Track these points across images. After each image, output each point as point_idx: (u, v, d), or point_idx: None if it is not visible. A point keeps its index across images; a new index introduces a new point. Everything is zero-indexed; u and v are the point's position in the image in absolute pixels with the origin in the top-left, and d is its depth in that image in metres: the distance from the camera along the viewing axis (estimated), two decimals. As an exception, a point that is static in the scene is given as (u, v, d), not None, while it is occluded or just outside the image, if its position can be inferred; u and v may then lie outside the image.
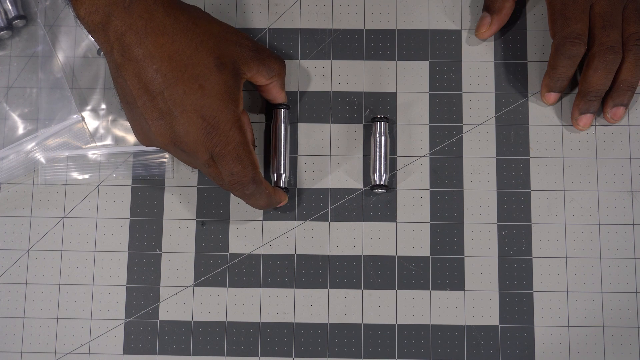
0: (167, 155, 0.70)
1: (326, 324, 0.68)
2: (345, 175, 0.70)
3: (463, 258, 0.69)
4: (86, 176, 0.70)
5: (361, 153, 0.70)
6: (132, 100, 0.62)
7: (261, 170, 0.70)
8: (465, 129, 0.71)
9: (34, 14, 0.72)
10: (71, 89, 0.71)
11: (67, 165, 0.70)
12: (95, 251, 0.69)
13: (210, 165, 0.63)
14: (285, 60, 0.71)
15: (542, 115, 0.71)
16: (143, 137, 0.64)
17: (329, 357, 0.68)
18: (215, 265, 0.69)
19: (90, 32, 0.62)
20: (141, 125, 0.63)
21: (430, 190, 0.70)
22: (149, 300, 0.69)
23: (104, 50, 0.62)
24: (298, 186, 0.70)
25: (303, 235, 0.69)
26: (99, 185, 0.70)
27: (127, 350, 0.68)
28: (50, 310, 0.69)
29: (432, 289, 0.68)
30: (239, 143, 0.62)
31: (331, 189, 0.70)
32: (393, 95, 0.71)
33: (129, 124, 0.71)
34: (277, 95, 0.69)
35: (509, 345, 0.67)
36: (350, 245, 0.69)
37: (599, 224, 0.69)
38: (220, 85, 0.62)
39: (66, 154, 0.70)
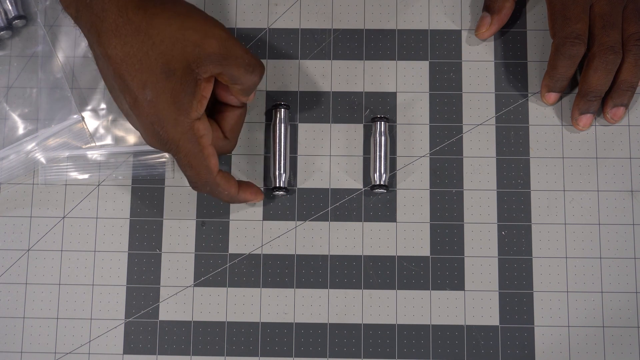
0: (167, 155, 0.70)
1: (326, 324, 0.68)
2: (345, 175, 0.70)
3: (463, 258, 0.69)
4: (86, 176, 0.70)
5: (361, 153, 0.70)
6: (109, 91, 0.63)
7: (261, 170, 0.70)
8: (465, 129, 0.71)
9: (34, 14, 0.72)
10: (71, 89, 0.71)
11: (67, 165, 0.70)
12: (95, 251, 0.69)
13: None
14: (285, 60, 0.71)
15: (542, 115, 0.71)
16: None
17: (329, 357, 0.68)
18: (215, 265, 0.69)
19: (75, 23, 0.63)
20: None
21: (430, 190, 0.70)
22: (149, 300, 0.69)
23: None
24: (298, 186, 0.70)
25: (303, 235, 0.69)
26: (99, 185, 0.70)
27: (127, 350, 0.68)
28: (50, 310, 0.69)
29: (432, 289, 0.68)
30: (189, 152, 0.62)
31: (331, 189, 0.70)
32: (393, 95, 0.71)
33: (129, 124, 0.71)
34: (238, 98, 0.65)
35: (509, 345, 0.67)
36: (350, 245, 0.69)
37: (599, 224, 0.69)
38: (166, 94, 0.60)
39: (66, 154, 0.70)
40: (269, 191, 0.70)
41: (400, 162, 0.70)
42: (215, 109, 0.67)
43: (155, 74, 0.60)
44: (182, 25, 0.60)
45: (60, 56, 0.72)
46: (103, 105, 0.71)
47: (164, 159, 0.70)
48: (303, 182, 0.70)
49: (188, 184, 0.70)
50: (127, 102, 0.61)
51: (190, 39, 0.60)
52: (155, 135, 0.61)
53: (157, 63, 0.60)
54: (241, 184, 0.67)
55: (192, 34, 0.60)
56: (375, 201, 0.70)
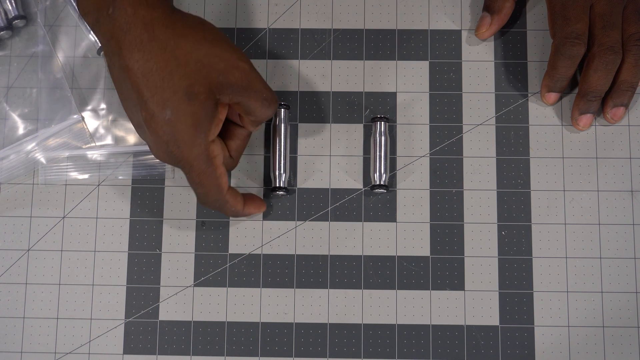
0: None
1: (326, 324, 0.68)
2: (345, 175, 0.70)
3: (463, 258, 0.69)
4: (86, 176, 0.70)
5: (361, 153, 0.70)
6: (121, 102, 0.62)
7: (261, 170, 0.70)
8: (465, 129, 0.71)
9: (34, 14, 0.72)
10: (71, 89, 0.71)
11: (67, 165, 0.70)
12: (95, 251, 0.69)
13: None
14: (285, 61, 0.71)
15: (542, 115, 0.71)
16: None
17: (329, 357, 0.68)
18: (215, 265, 0.69)
19: (92, 31, 0.63)
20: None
21: (430, 190, 0.70)
22: (149, 300, 0.69)
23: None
24: (298, 186, 0.70)
25: (303, 235, 0.69)
26: (99, 185, 0.70)
27: (127, 350, 0.68)
28: (50, 310, 0.69)
29: (432, 289, 0.68)
30: (203, 171, 0.62)
31: (331, 189, 0.70)
32: (393, 95, 0.71)
33: (129, 124, 0.71)
34: (245, 126, 0.66)
35: (509, 345, 0.67)
36: (350, 245, 0.69)
37: (599, 224, 0.69)
38: (187, 116, 0.60)
39: (66, 154, 0.70)
40: (269, 191, 0.70)
41: (400, 162, 0.70)
42: (223, 128, 0.66)
43: (178, 95, 0.59)
44: (209, 52, 0.60)
45: (60, 56, 0.72)
46: (103, 105, 0.71)
47: (164, 159, 0.70)
48: (303, 182, 0.70)
49: (188, 184, 0.70)
50: (143, 117, 0.60)
51: (215, 67, 0.60)
52: (167, 153, 0.61)
53: (180, 84, 0.59)
54: (246, 199, 0.67)
55: (218, 62, 0.60)
56: (375, 201, 0.70)
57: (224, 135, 0.66)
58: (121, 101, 0.62)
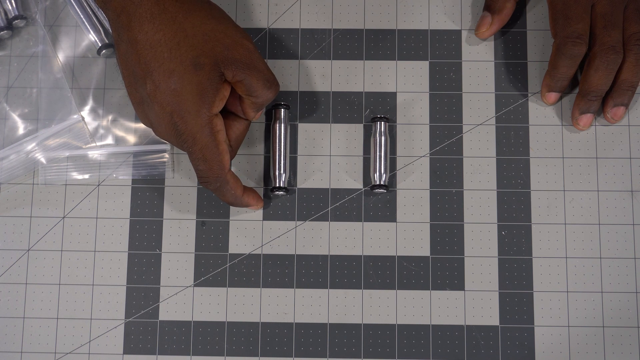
0: (167, 155, 0.70)
1: (326, 324, 0.68)
2: (345, 175, 0.70)
3: (463, 258, 0.69)
4: (86, 176, 0.70)
5: (361, 153, 0.70)
6: (123, 79, 0.64)
7: (261, 170, 0.70)
8: (465, 129, 0.71)
9: (34, 14, 0.72)
10: (71, 89, 0.71)
11: (67, 165, 0.70)
12: (95, 251, 0.69)
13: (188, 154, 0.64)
14: (285, 60, 0.71)
15: (542, 115, 0.71)
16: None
17: (329, 357, 0.68)
18: (215, 265, 0.69)
19: (99, 7, 0.64)
20: (131, 102, 0.65)
21: (430, 190, 0.70)
22: (149, 300, 0.69)
23: (110, 26, 0.64)
24: (298, 186, 0.70)
25: (303, 235, 0.69)
26: (99, 185, 0.70)
27: (127, 350, 0.68)
28: (50, 310, 0.69)
29: (432, 289, 0.68)
30: (206, 145, 0.62)
31: (331, 189, 0.70)
32: (393, 95, 0.71)
33: (129, 124, 0.71)
34: (247, 112, 0.66)
35: (509, 345, 0.67)
36: (350, 245, 0.69)
37: (599, 224, 0.69)
38: (193, 85, 0.61)
39: (66, 154, 0.70)
40: (269, 191, 0.70)
41: (400, 162, 0.70)
42: (223, 117, 0.66)
43: (184, 65, 0.61)
44: (215, 27, 0.63)
45: (60, 56, 0.72)
46: (103, 106, 0.71)
47: (164, 159, 0.70)
48: (303, 182, 0.70)
49: (188, 184, 0.70)
50: (148, 89, 0.61)
51: (221, 41, 0.62)
52: (171, 126, 0.62)
53: (187, 54, 0.61)
54: (246, 189, 0.67)
55: (223, 37, 0.63)
56: (375, 201, 0.70)
57: (225, 124, 0.66)
58: (124, 78, 0.63)
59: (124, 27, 0.62)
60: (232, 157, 0.67)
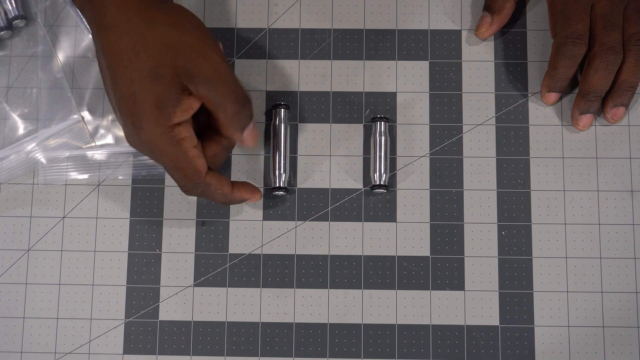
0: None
1: (326, 324, 0.68)
2: (345, 175, 0.70)
3: (463, 258, 0.69)
4: (86, 176, 0.70)
5: (361, 153, 0.70)
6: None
7: (261, 170, 0.70)
8: (465, 129, 0.71)
9: (34, 14, 0.72)
10: (71, 89, 0.71)
11: (67, 165, 0.70)
12: (95, 251, 0.69)
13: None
14: (285, 61, 0.71)
15: (542, 115, 0.71)
16: None
17: (329, 357, 0.68)
18: (215, 265, 0.69)
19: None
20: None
21: (430, 190, 0.70)
22: (149, 300, 0.69)
23: None
24: (298, 186, 0.70)
25: (303, 235, 0.69)
26: (99, 185, 0.70)
27: (127, 350, 0.68)
28: (50, 310, 0.69)
29: (432, 289, 0.68)
30: (173, 154, 0.61)
31: (331, 189, 0.70)
32: (393, 95, 0.71)
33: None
34: (229, 134, 0.63)
35: (509, 345, 0.67)
36: (350, 245, 0.69)
37: (599, 224, 0.69)
38: (151, 95, 0.60)
39: (66, 154, 0.70)
40: (269, 191, 0.70)
41: (400, 162, 0.70)
42: (203, 133, 0.65)
43: (143, 74, 0.60)
44: (178, 38, 0.61)
45: (60, 56, 0.72)
46: (103, 106, 0.71)
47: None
48: (303, 182, 0.70)
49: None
50: (114, 97, 0.61)
51: (183, 53, 0.60)
52: (133, 135, 0.62)
53: (146, 64, 0.60)
54: (236, 183, 0.66)
55: (186, 48, 0.61)
56: (375, 201, 0.70)
57: (203, 137, 0.64)
58: (104, 86, 0.63)
59: (95, 36, 0.62)
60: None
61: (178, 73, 0.60)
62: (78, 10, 0.65)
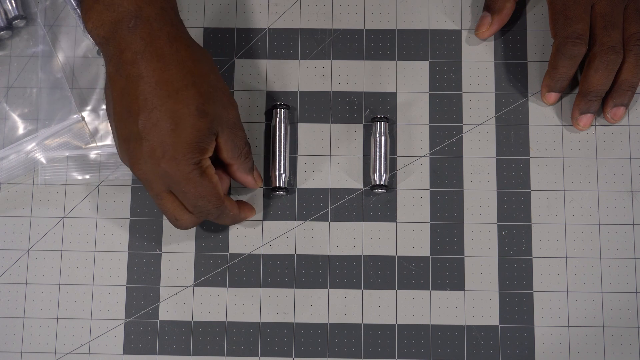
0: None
1: (326, 324, 0.68)
2: (345, 175, 0.70)
3: (463, 258, 0.69)
4: (86, 176, 0.70)
5: (361, 153, 0.70)
6: (112, 114, 0.63)
7: (261, 170, 0.70)
8: (465, 129, 0.71)
9: (34, 14, 0.72)
10: (71, 89, 0.71)
11: (67, 165, 0.70)
12: (95, 251, 0.69)
13: (162, 197, 0.63)
14: (285, 61, 0.72)
15: (542, 115, 0.71)
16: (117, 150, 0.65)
17: (329, 357, 0.68)
18: (215, 265, 0.69)
19: (96, 43, 0.64)
20: (114, 137, 0.64)
21: (430, 190, 0.70)
22: (149, 300, 0.69)
23: (104, 59, 0.63)
24: (298, 186, 0.70)
25: (303, 235, 0.69)
26: (99, 185, 0.70)
27: (127, 350, 0.68)
28: (50, 310, 0.69)
29: (432, 289, 0.68)
30: (200, 184, 0.62)
31: (331, 189, 0.70)
32: (393, 95, 0.71)
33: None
34: (243, 179, 0.67)
35: (509, 345, 0.67)
36: (350, 245, 0.69)
37: (599, 224, 0.69)
38: (194, 131, 0.61)
39: (66, 153, 0.70)
40: (269, 191, 0.70)
41: (400, 162, 0.70)
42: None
43: (190, 109, 0.61)
44: (217, 82, 0.64)
45: (60, 56, 0.72)
46: (103, 106, 0.71)
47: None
48: (303, 182, 0.70)
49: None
50: (142, 126, 0.60)
51: (220, 99, 0.63)
52: (159, 166, 0.61)
53: (194, 99, 0.61)
54: (239, 204, 0.67)
55: (222, 95, 0.63)
56: (375, 201, 0.70)
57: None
58: (115, 113, 0.62)
59: (128, 62, 0.61)
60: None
61: (215, 117, 0.62)
62: (95, 39, 0.63)
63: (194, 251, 0.69)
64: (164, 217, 0.70)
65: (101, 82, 0.72)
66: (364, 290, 0.69)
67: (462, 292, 0.68)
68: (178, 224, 0.65)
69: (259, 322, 0.68)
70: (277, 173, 0.69)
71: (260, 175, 0.69)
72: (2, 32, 0.71)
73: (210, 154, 0.63)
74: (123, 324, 0.68)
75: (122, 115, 0.62)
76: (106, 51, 0.63)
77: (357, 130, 0.71)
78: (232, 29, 0.73)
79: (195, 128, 0.61)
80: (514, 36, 0.72)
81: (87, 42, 0.72)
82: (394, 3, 0.73)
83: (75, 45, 0.72)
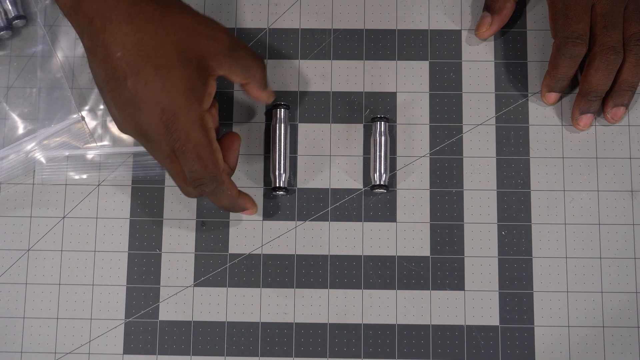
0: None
1: (326, 324, 0.68)
2: (345, 175, 0.70)
3: (463, 258, 0.69)
4: (83, 176, 0.70)
5: (361, 153, 0.70)
6: (102, 85, 0.62)
7: (261, 170, 0.70)
8: (465, 129, 0.71)
9: (34, 14, 0.72)
10: (71, 89, 0.71)
11: (66, 165, 0.70)
12: (95, 251, 0.69)
13: (172, 160, 0.62)
14: (285, 61, 0.71)
15: (542, 115, 0.71)
16: (117, 123, 0.64)
17: (329, 357, 0.68)
18: (215, 265, 0.69)
19: (65, 15, 0.62)
20: (112, 111, 0.63)
21: (430, 190, 0.70)
22: (149, 300, 0.69)
23: (77, 33, 0.62)
24: (298, 186, 0.70)
25: (303, 235, 0.69)
26: (99, 185, 0.70)
27: (127, 350, 0.68)
28: (50, 310, 0.69)
29: (432, 289, 0.68)
30: (200, 142, 0.61)
31: (331, 189, 0.70)
32: (393, 95, 0.71)
33: (128, 124, 0.71)
34: (257, 95, 0.66)
35: (509, 345, 0.67)
36: (350, 245, 0.69)
37: (599, 224, 0.69)
38: (183, 80, 0.61)
39: (66, 153, 0.70)
40: (269, 191, 0.70)
41: (400, 162, 0.70)
42: (220, 144, 0.66)
43: (172, 61, 0.60)
44: (194, 20, 0.62)
45: (60, 56, 0.72)
46: (101, 106, 0.71)
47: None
48: (303, 182, 0.70)
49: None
50: (133, 89, 0.60)
51: (203, 32, 0.62)
52: (162, 124, 0.60)
53: (173, 50, 0.61)
54: (239, 192, 0.66)
55: (204, 28, 0.62)
56: (375, 201, 0.70)
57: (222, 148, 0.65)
58: (104, 84, 0.62)
59: (99, 30, 0.60)
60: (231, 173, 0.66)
61: (203, 54, 0.61)
62: (63, 9, 0.62)
63: (194, 251, 0.69)
64: (164, 217, 0.70)
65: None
66: (364, 290, 0.69)
67: (462, 292, 0.68)
68: (187, 190, 0.64)
69: (259, 322, 0.68)
70: (277, 173, 0.69)
71: (273, 93, 0.68)
72: (2, 32, 0.71)
73: (208, 103, 0.62)
74: (123, 324, 0.68)
75: (112, 84, 0.61)
76: (76, 22, 0.62)
77: (357, 130, 0.71)
78: (232, 28, 0.73)
79: (184, 78, 0.60)
80: (514, 36, 0.72)
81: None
82: (394, 3, 0.73)
83: (74, 45, 0.72)
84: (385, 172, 0.69)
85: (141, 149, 0.70)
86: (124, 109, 0.62)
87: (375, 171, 0.69)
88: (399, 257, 0.69)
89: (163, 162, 0.63)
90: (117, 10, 0.60)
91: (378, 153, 0.69)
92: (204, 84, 0.61)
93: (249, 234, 0.69)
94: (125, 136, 0.71)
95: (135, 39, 0.60)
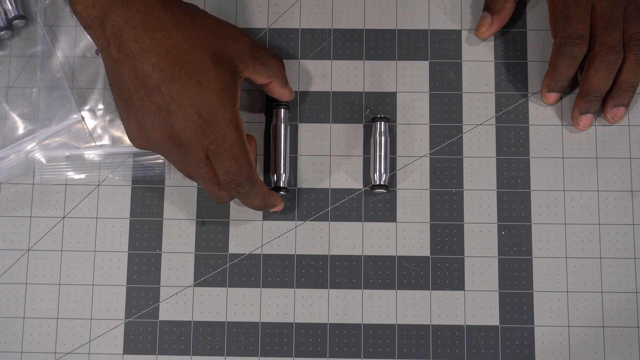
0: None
1: (326, 324, 0.68)
2: (345, 175, 0.70)
3: (463, 258, 0.69)
4: (82, 176, 0.70)
5: (361, 153, 0.70)
6: (129, 96, 0.62)
7: (261, 170, 0.70)
8: (465, 129, 0.71)
9: (34, 14, 0.72)
10: (71, 89, 0.71)
11: (66, 165, 0.70)
12: (95, 251, 0.69)
13: (205, 165, 0.62)
14: (286, 61, 0.71)
15: (542, 115, 0.71)
16: (138, 135, 0.64)
17: (329, 357, 0.68)
18: (215, 265, 0.69)
19: (86, 27, 0.62)
20: (137, 122, 0.62)
21: (430, 190, 0.70)
22: (149, 300, 0.69)
23: (99, 46, 0.62)
24: (298, 186, 0.70)
25: (303, 235, 0.69)
26: (98, 185, 0.70)
27: (127, 350, 0.68)
28: (50, 310, 0.69)
29: (432, 289, 0.68)
30: (235, 142, 0.62)
31: (331, 189, 0.70)
32: (393, 95, 0.71)
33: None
34: (280, 93, 0.69)
35: (509, 345, 0.67)
36: (350, 245, 0.69)
37: (599, 224, 0.69)
38: (217, 82, 0.62)
39: (66, 153, 0.70)
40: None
41: (400, 162, 0.70)
42: None
43: (206, 64, 0.62)
44: (218, 23, 0.65)
45: (60, 56, 0.72)
46: (101, 106, 0.71)
47: (160, 160, 0.70)
48: (303, 182, 0.70)
49: (188, 184, 0.70)
50: (168, 95, 0.60)
51: (228, 35, 0.64)
52: (198, 127, 0.61)
53: (205, 54, 0.62)
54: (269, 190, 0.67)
55: (228, 31, 0.65)
56: (375, 201, 0.70)
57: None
58: (130, 95, 0.61)
59: (129, 39, 0.60)
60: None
61: (232, 56, 0.63)
62: (84, 21, 0.61)
63: (194, 251, 0.69)
64: (164, 217, 0.70)
65: (101, 82, 0.72)
66: (364, 290, 0.69)
67: (462, 292, 0.68)
68: (219, 195, 0.64)
69: (259, 322, 0.68)
70: (277, 173, 0.69)
71: (292, 89, 0.70)
72: (2, 32, 0.71)
73: (239, 104, 0.63)
74: (123, 324, 0.68)
75: (141, 93, 0.61)
76: (101, 34, 0.61)
77: (357, 130, 0.71)
78: (232, 28, 0.73)
79: (218, 80, 0.62)
80: (514, 36, 0.72)
81: (86, 42, 0.72)
82: (394, 3, 0.73)
83: (74, 45, 0.72)
84: (385, 172, 0.69)
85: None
86: (155, 117, 0.61)
87: (375, 171, 0.69)
88: (399, 257, 0.69)
89: (195, 168, 0.63)
90: (149, 18, 0.61)
91: (378, 153, 0.69)
92: (235, 85, 0.63)
93: (249, 234, 0.69)
94: (123, 136, 0.71)
95: (169, 45, 0.61)
